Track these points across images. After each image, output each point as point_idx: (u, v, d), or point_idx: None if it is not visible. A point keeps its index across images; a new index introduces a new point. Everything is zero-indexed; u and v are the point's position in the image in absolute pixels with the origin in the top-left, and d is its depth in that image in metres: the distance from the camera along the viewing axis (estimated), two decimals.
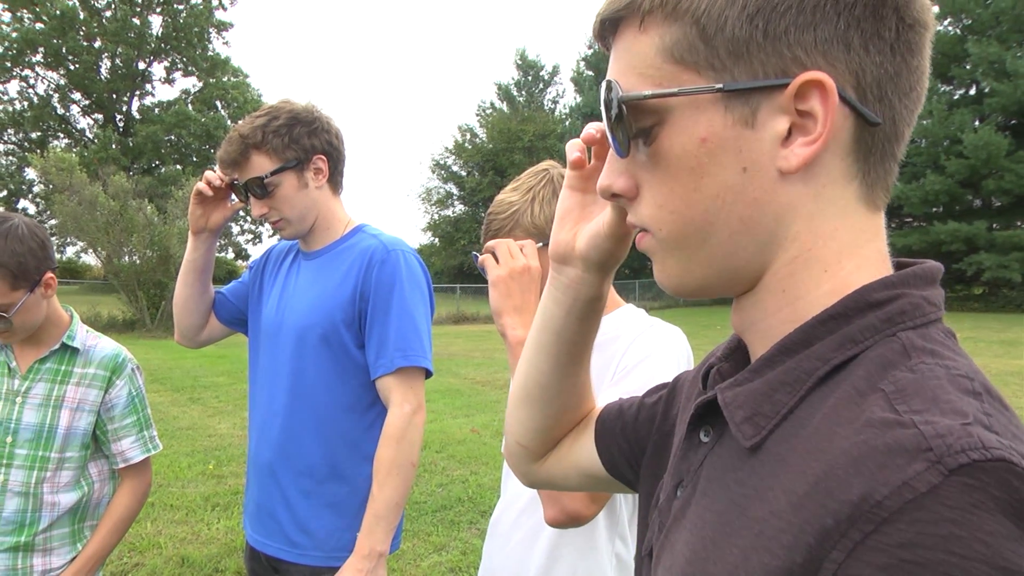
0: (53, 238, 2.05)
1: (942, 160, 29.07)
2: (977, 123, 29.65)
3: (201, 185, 1.99)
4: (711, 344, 0.94)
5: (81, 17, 39.66)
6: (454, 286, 32.44)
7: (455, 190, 50.45)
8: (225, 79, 44.04)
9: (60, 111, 43.11)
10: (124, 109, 44.45)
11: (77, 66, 40.71)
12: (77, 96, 43.06)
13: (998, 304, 28.89)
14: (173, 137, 42.18)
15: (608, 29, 0.66)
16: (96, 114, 44.38)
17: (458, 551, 4.65)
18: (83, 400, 1.99)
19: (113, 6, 40.43)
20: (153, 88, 57.95)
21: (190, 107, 42.90)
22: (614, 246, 0.78)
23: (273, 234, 2.09)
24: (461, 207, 50.26)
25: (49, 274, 1.92)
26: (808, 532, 0.48)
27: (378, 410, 1.96)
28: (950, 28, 31.12)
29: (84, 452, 2.01)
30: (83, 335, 2.05)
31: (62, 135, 43.97)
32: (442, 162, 50.57)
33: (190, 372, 11.89)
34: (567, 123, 45.81)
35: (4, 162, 42.69)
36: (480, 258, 1.41)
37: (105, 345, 2.08)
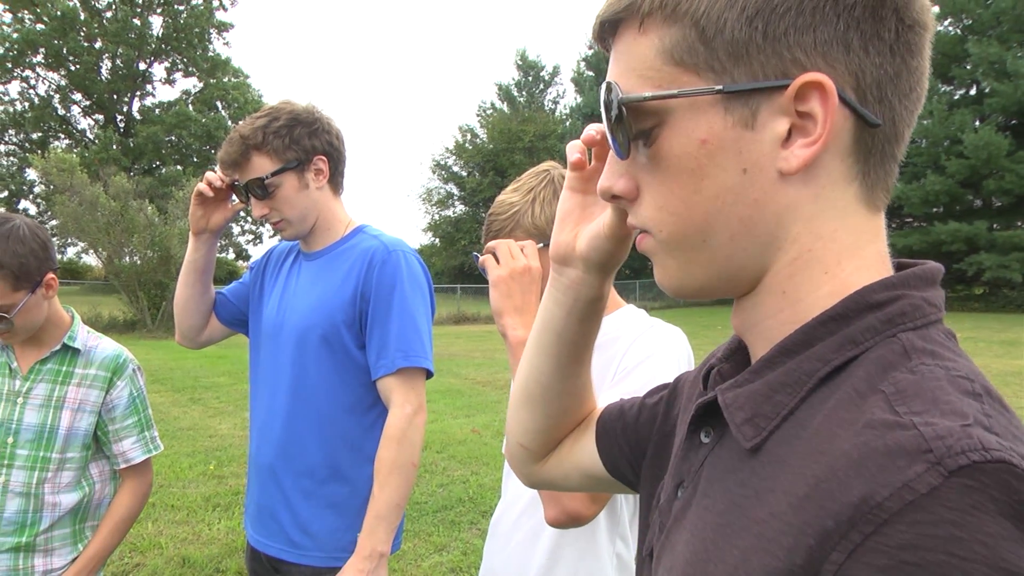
0: (54, 239, 2.05)
1: (942, 160, 29.06)
2: (977, 123, 29.64)
3: (202, 186, 1.99)
4: (712, 344, 0.94)
5: (82, 18, 39.71)
6: (455, 286, 32.46)
7: (455, 190, 50.47)
8: (226, 80, 44.09)
9: (61, 112, 43.16)
10: (125, 110, 44.49)
11: (78, 67, 40.73)
12: (78, 97, 43.10)
13: (999, 304, 28.87)
14: (174, 138, 42.21)
15: (608, 31, 0.66)
16: (97, 115, 44.42)
17: (459, 551, 4.65)
18: (84, 401, 1.99)
19: (114, 7, 40.48)
20: (154, 89, 57.87)
21: (191, 108, 42.93)
22: (614, 247, 0.78)
23: (274, 235, 2.09)
24: (462, 207, 50.27)
25: (50, 275, 1.92)
26: (808, 533, 0.48)
27: (379, 411, 1.96)
28: (950, 28, 31.11)
29: (85, 453, 2.01)
30: (84, 336, 2.06)
31: (63, 136, 44.00)
32: (443, 162, 50.62)
33: (191, 372, 11.89)
34: (567, 123, 45.80)
35: (5, 163, 42.76)
36: (481, 258, 1.41)
37: (106, 346, 2.08)
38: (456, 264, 44.68)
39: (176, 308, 2.19)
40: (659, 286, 0.69)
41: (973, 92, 31.68)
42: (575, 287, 0.83)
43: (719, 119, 0.59)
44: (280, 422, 1.97)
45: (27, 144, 42.11)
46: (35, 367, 1.98)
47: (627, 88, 0.62)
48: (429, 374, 1.97)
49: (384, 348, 1.90)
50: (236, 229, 43.26)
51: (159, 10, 42.09)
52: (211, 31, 43.43)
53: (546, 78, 52.29)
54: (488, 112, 51.45)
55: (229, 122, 41.78)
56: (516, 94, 51.74)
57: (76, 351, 2.01)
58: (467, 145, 49.46)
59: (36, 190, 40.04)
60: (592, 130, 0.72)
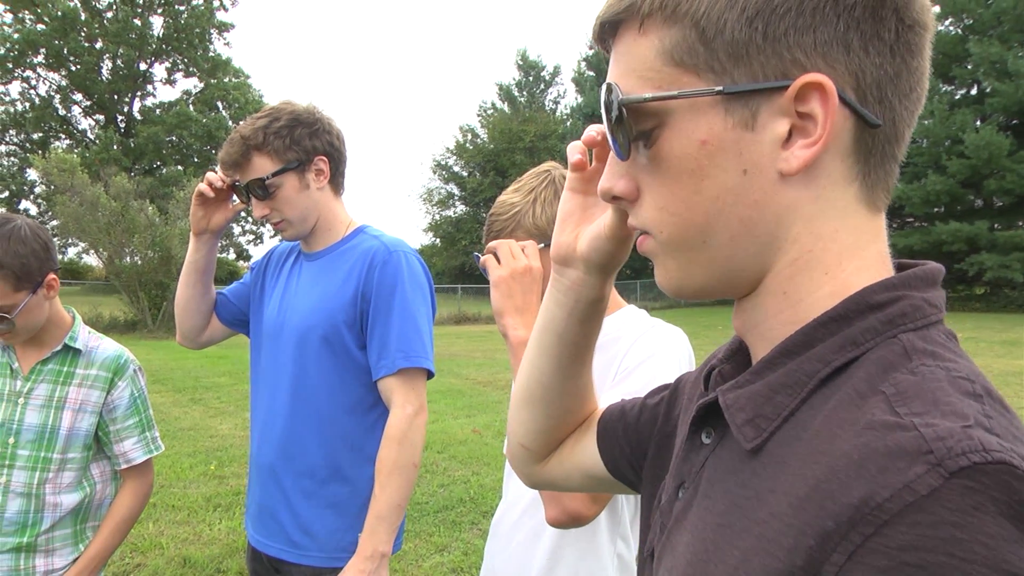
0: (54, 239, 2.05)
1: (943, 160, 29.03)
2: (978, 123, 29.61)
3: (203, 186, 1.99)
4: (712, 345, 0.94)
5: (82, 18, 39.73)
6: (455, 286, 32.45)
7: (456, 191, 50.48)
8: (226, 80, 44.11)
9: (62, 112, 43.18)
10: (125, 110, 44.51)
11: (78, 67, 40.75)
12: (79, 97, 43.12)
13: (1000, 304, 28.85)
14: (174, 138, 42.23)
15: (608, 32, 0.66)
16: (97, 115, 44.43)
17: (460, 552, 4.65)
18: (85, 401, 2.00)
19: (114, 7, 40.50)
20: (154, 89, 57.89)
21: (191, 108, 42.95)
22: (615, 248, 0.78)
23: (274, 235, 2.09)
24: (462, 208, 50.29)
25: (51, 275, 1.92)
26: (809, 534, 0.48)
27: (380, 411, 1.96)
28: (951, 28, 31.08)
29: (86, 453, 2.01)
30: (85, 336, 2.06)
31: (64, 136, 44.03)
32: (443, 163, 50.63)
33: (191, 373, 11.90)
34: (568, 123, 45.83)
35: (6, 163, 42.80)
36: (482, 259, 1.41)
37: (107, 346, 2.08)
38: (457, 264, 44.69)
39: (177, 308, 2.19)
40: (660, 287, 0.69)
41: (974, 92, 31.65)
42: (576, 288, 0.83)
43: (719, 120, 0.59)
44: (281, 422, 1.97)
45: (28, 144, 42.14)
46: (36, 367, 1.98)
47: (627, 89, 0.62)
48: (430, 374, 1.97)
49: (385, 348, 1.91)
50: (237, 229, 43.31)
51: (160, 10, 42.12)
52: (212, 31, 43.46)
53: (547, 78, 52.34)
54: (489, 112, 51.47)
55: (230, 122, 41.80)
56: (517, 94, 51.75)
57: (77, 351, 2.01)
58: (468, 145, 49.47)
59: (37, 190, 40.09)
60: (593, 131, 0.72)
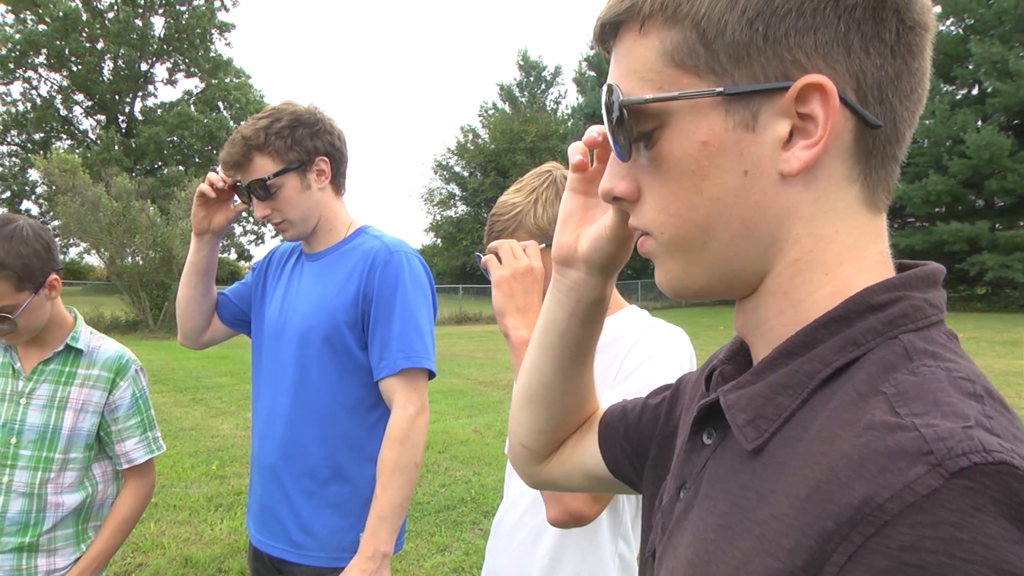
0: (56, 239, 2.05)
1: (944, 160, 29.01)
2: (980, 123, 29.59)
3: (204, 187, 1.99)
4: (714, 345, 0.94)
5: (84, 18, 39.75)
6: (456, 287, 32.45)
7: (457, 191, 50.50)
8: (227, 80, 44.12)
9: (63, 112, 43.20)
10: (127, 110, 44.53)
11: (80, 67, 40.78)
12: (80, 97, 43.14)
13: (1001, 304, 28.83)
14: (175, 138, 42.25)
15: (609, 33, 0.66)
16: (99, 115, 44.46)
17: (461, 552, 4.65)
18: (87, 401, 2.00)
19: (116, 7, 40.53)
20: (155, 89, 58.01)
21: (192, 108, 42.97)
22: (616, 249, 0.78)
23: (276, 235, 2.09)
24: (463, 208, 50.30)
25: (53, 276, 1.93)
26: (809, 535, 0.48)
27: (381, 411, 1.96)
28: (952, 28, 31.05)
29: (88, 453, 2.02)
30: (87, 336, 2.06)
31: (65, 136, 44.06)
32: (444, 163, 50.65)
33: (193, 373, 11.90)
34: (569, 124, 45.81)
35: (7, 163, 42.87)
36: (483, 258, 1.41)
37: (109, 346, 2.08)
38: (458, 264, 44.70)
39: (178, 309, 2.19)
40: (660, 288, 0.69)
41: (975, 92, 31.63)
42: (577, 288, 0.83)
43: (720, 121, 0.59)
44: (282, 422, 1.97)
45: (29, 145, 42.18)
46: (38, 368, 1.98)
47: (628, 90, 0.62)
48: (431, 374, 1.97)
49: (386, 349, 1.91)
50: (238, 229, 43.34)
51: (161, 11, 42.13)
52: (213, 32, 43.47)
53: (548, 78, 52.32)
54: (490, 112, 51.46)
55: (231, 123, 41.83)
56: (518, 94, 51.74)
57: (79, 352, 2.02)
58: (469, 145, 49.47)
59: (38, 191, 40.15)
60: (594, 132, 0.72)
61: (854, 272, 0.60)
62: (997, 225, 30.03)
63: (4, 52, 38.38)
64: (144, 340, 17.53)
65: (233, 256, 44.25)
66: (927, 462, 0.44)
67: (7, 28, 38.59)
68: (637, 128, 0.62)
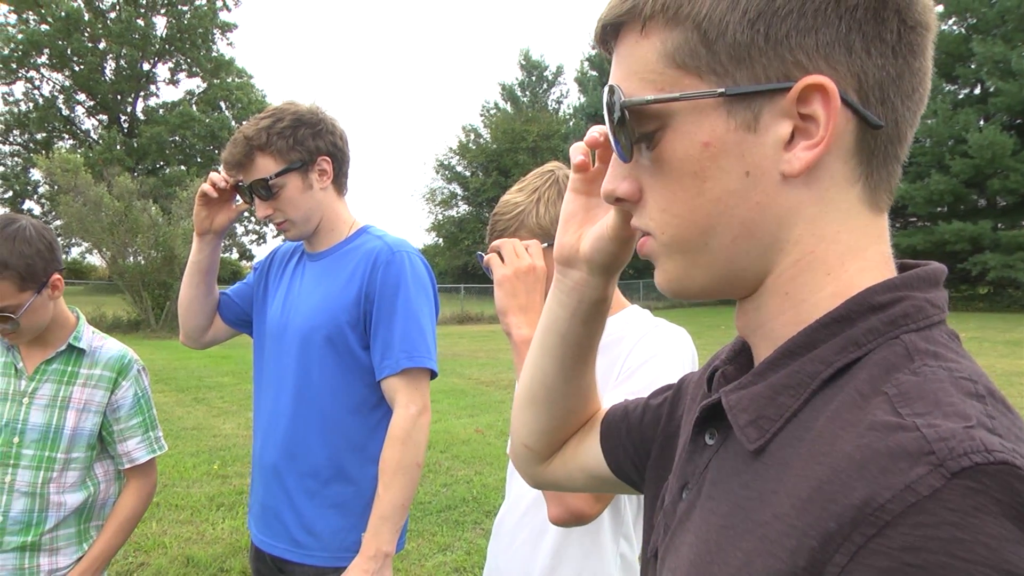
0: (58, 239, 2.05)
1: (947, 160, 28.94)
2: (982, 123, 29.51)
3: (206, 187, 1.99)
4: (716, 344, 0.94)
5: (86, 19, 39.79)
6: (458, 286, 32.48)
7: (459, 190, 50.51)
8: (229, 80, 44.15)
9: (65, 112, 43.28)
10: (129, 110, 44.58)
11: (82, 67, 40.84)
12: (82, 97, 43.20)
13: (1003, 304, 28.77)
14: (177, 138, 42.32)
15: (610, 34, 0.66)
16: (101, 115, 44.51)
17: (462, 551, 4.65)
18: (89, 401, 2.00)
19: (118, 7, 40.58)
20: (157, 89, 57.82)
21: (194, 108, 43.02)
22: (618, 249, 0.78)
23: (277, 235, 2.09)
24: (465, 207, 50.32)
25: (56, 275, 1.93)
26: (811, 536, 0.48)
27: (383, 411, 1.96)
28: (955, 27, 30.97)
29: (90, 453, 2.02)
30: (89, 336, 2.06)
31: (67, 136, 44.13)
32: (446, 162, 50.67)
33: (195, 372, 11.92)
34: (571, 123, 45.77)
35: (9, 163, 42.94)
36: (485, 257, 1.41)
37: (111, 346, 2.09)
38: (460, 264, 44.71)
39: (180, 309, 2.19)
40: (659, 289, 0.69)
41: (977, 91, 31.56)
42: (579, 289, 0.83)
43: (721, 122, 0.59)
44: (284, 422, 1.97)
45: (31, 144, 42.25)
46: (40, 367, 1.98)
47: (629, 91, 0.62)
48: (433, 374, 1.97)
49: (388, 349, 1.91)
50: (240, 229, 43.40)
51: (163, 11, 42.19)
52: (215, 31, 43.52)
53: (549, 78, 52.34)
54: (492, 112, 51.48)
55: (233, 122, 41.86)
56: (520, 94, 51.75)
57: (81, 351, 2.02)
58: (471, 145, 49.48)
59: (40, 190, 40.22)
60: (595, 132, 0.72)
61: (856, 272, 0.60)
62: (999, 225, 29.96)
63: (7, 52, 38.45)
64: (146, 340, 17.55)
65: (235, 256, 44.34)
66: (928, 462, 0.44)
67: (9, 28, 38.66)
68: (639, 129, 0.62)
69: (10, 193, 42.66)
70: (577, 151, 0.80)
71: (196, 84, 45.46)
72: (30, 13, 38.37)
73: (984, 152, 27.47)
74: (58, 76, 41.87)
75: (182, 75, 44.62)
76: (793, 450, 0.55)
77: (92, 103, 43.60)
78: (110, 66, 42.74)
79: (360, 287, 1.93)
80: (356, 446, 1.95)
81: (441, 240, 49.82)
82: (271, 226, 2.11)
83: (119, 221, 19.33)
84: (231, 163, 1.95)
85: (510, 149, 45.41)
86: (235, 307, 2.24)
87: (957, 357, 0.55)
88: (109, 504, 2.09)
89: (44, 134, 42.44)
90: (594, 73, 43.96)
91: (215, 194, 2.00)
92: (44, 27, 38.81)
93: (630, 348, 1.39)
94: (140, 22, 41.25)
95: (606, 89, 0.63)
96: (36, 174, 35.54)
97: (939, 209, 31.28)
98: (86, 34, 40.16)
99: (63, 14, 37.85)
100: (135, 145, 41.45)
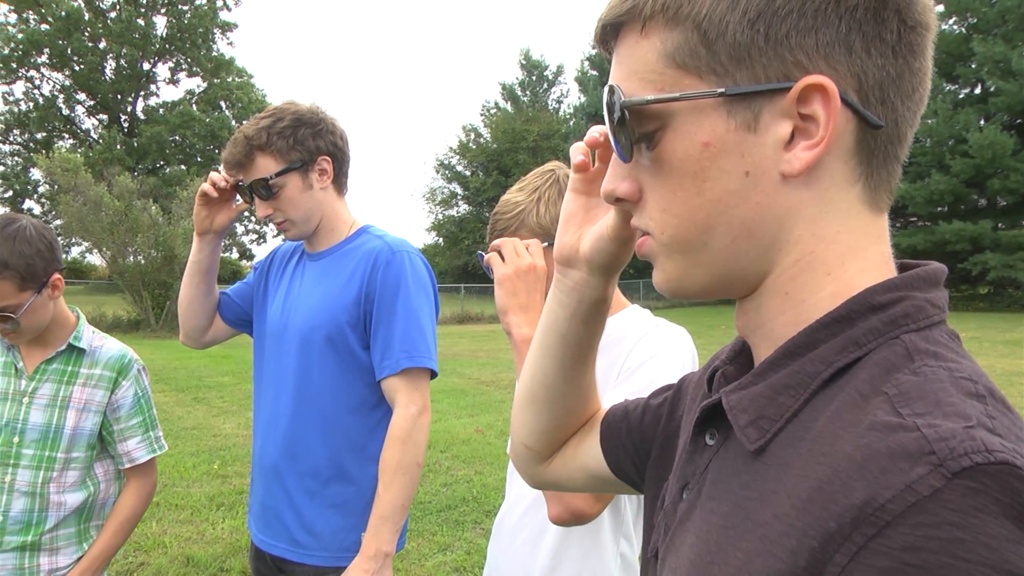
0: (58, 238, 2.05)
1: (947, 160, 28.92)
2: (982, 122, 29.47)
3: (206, 186, 1.99)
4: (716, 344, 0.94)
5: (86, 18, 39.80)
6: (458, 286, 32.49)
7: (459, 190, 50.51)
8: (230, 79, 44.15)
9: (65, 112, 43.27)
10: (129, 110, 44.58)
11: (82, 67, 40.84)
12: (82, 97, 43.20)
13: (1003, 304, 28.76)
14: (177, 138, 42.32)
15: (610, 34, 0.66)
16: (101, 115, 44.51)
17: (462, 551, 4.66)
18: (89, 401, 2.00)
19: (118, 7, 40.58)
20: (158, 89, 57.82)
21: (194, 108, 43.03)
22: (618, 249, 0.78)
23: (278, 235, 2.09)
24: (465, 207, 50.32)
25: (56, 275, 1.93)
26: (811, 536, 0.48)
27: (383, 411, 1.96)
28: (955, 27, 30.94)
29: (90, 452, 2.02)
30: (89, 336, 2.06)
31: (67, 135, 44.14)
32: (446, 162, 50.67)
33: (195, 372, 11.92)
34: (571, 123, 45.74)
35: (9, 163, 42.96)
36: (486, 256, 1.41)
37: (111, 346, 2.09)
38: (460, 264, 44.71)
39: (180, 308, 2.19)
40: (657, 288, 0.69)
41: (978, 91, 31.52)
42: (579, 289, 0.83)
43: (721, 122, 0.59)
44: (284, 422, 1.97)
45: (31, 144, 42.26)
46: (41, 367, 1.98)
47: (629, 91, 0.62)
48: (433, 374, 1.97)
49: (388, 348, 1.91)
50: (240, 229, 43.40)
51: (163, 10, 42.19)
52: (215, 31, 43.51)
53: (550, 77, 52.32)
54: (492, 111, 51.46)
55: (233, 122, 41.89)
56: (520, 93, 51.73)
57: (81, 351, 2.02)
58: (471, 144, 49.48)
59: (40, 190, 40.22)
60: (595, 132, 0.72)
61: (856, 272, 0.60)
62: (1000, 225, 29.93)
63: (7, 51, 38.46)
64: (146, 339, 17.55)
65: (235, 255, 44.34)
66: (929, 462, 0.44)
67: (9, 27, 38.67)
68: (639, 129, 0.62)
69: (10, 193, 42.70)
70: (577, 151, 0.80)
71: (196, 84, 45.53)
72: (30, 13, 38.37)
73: (984, 152, 27.46)
74: (58, 76, 41.93)
75: (182, 75, 44.66)
76: (793, 450, 0.55)
77: (92, 103, 43.61)
78: (110, 66, 42.77)
79: (360, 287, 1.93)
80: (356, 446, 1.95)
81: (441, 240, 49.84)
82: (271, 226, 2.11)
83: (119, 221, 19.34)
84: (231, 163, 1.95)
85: (510, 149, 45.40)
86: (235, 307, 2.24)
87: (957, 357, 0.55)
88: (109, 504, 2.09)
89: (44, 134, 42.45)
90: (594, 73, 43.95)
91: (215, 194, 2.00)
92: (44, 27, 38.82)
93: (630, 348, 1.39)
94: (140, 22, 41.26)
95: (606, 89, 0.63)
96: (36, 174, 35.60)
97: (939, 209, 31.25)
98: (86, 34, 40.16)
99: (63, 14, 37.86)
100: (135, 145, 41.46)
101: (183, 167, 40.54)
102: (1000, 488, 0.43)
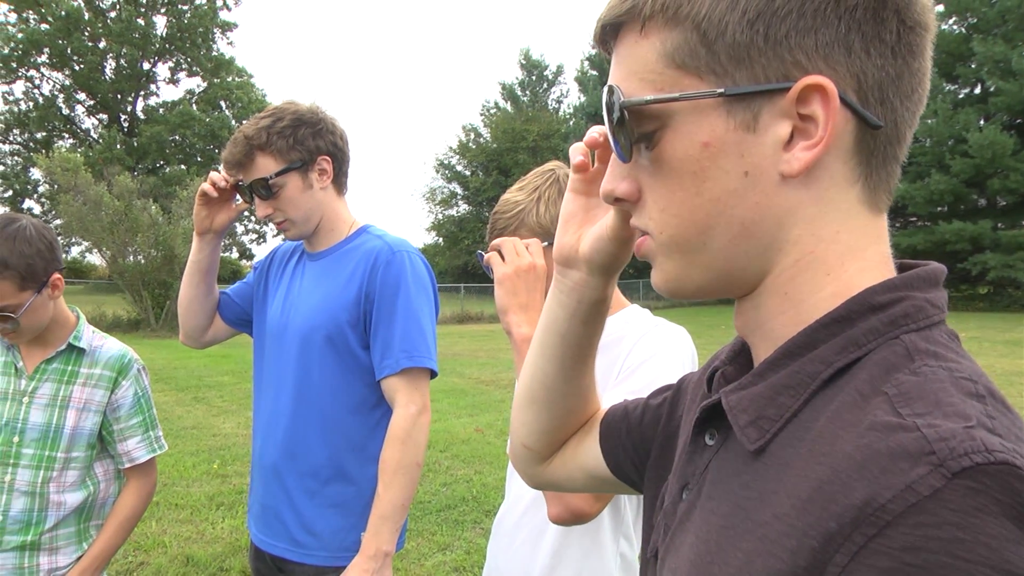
0: (58, 238, 2.05)
1: (947, 159, 28.91)
2: (982, 122, 29.47)
3: (206, 186, 1.99)
4: (716, 344, 0.94)
5: (86, 18, 39.79)
6: (458, 286, 32.49)
7: (459, 190, 50.51)
8: (229, 79, 44.14)
9: (65, 111, 43.27)
10: (129, 109, 44.57)
11: (82, 66, 40.82)
12: (82, 96, 43.19)
13: (1003, 304, 28.75)
14: (177, 137, 42.32)
15: (609, 34, 0.66)
16: (101, 114, 44.51)
17: (462, 551, 4.66)
18: (89, 400, 2.00)
19: (118, 7, 40.56)
20: (158, 88, 57.91)
21: (194, 107, 43.03)
22: (617, 249, 0.78)
23: (277, 234, 2.09)
24: (465, 207, 50.33)
25: (56, 275, 1.93)
26: (812, 536, 0.48)
27: (383, 411, 1.96)
28: (955, 27, 30.94)
29: (90, 452, 2.02)
30: (89, 336, 2.06)
31: (67, 135, 44.14)
32: (446, 162, 50.68)
33: (195, 372, 11.92)
34: (571, 123, 45.74)
35: (9, 162, 42.95)
36: (486, 256, 1.41)
37: (111, 346, 2.09)
38: (460, 263, 44.72)
39: (180, 308, 2.19)
40: (656, 288, 0.69)
41: (978, 91, 31.51)
42: (578, 289, 0.83)
43: (721, 122, 0.59)
44: (284, 422, 1.97)
45: (31, 144, 42.25)
46: (41, 367, 1.98)
47: (629, 91, 0.62)
48: (433, 374, 1.97)
49: (388, 348, 1.91)
50: (240, 229, 43.40)
51: (163, 10, 42.18)
52: (215, 31, 43.51)
53: (550, 77, 52.32)
54: (492, 111, 51.47)
55: (233, 122, 41.89)
56: (520, 93, 51.72)
57: (81, 351, 2.02)
58: (471, 144, 49.49)
59: (40, 189, 40.20)
60: (595, 132, 0.72)
61: (855, 272, 0.60)
62: (999, 225, 29.92)
63: (7, 51, 38.46)
64: (146, 339, 17.55)
65: (235, 255, 44.34)
66: (929, 462, 0.44)
67: (9, 27, 38.67)
68: (638, 129, 0.62)
69: (10, 192, 42.69)
70: (577, 151, 0.80)
71: (196, 83, 45.50)
72: (30, 12, 38.37)
73: (984, 152, 27.45)
74: (58, 75, 41.92)
75: (182, 74, 44.65)
76: (793, 450, 0.55)
77: (92, 102, 43.60)
78: (110, 65, 42.77)
79: (360, 287, 1.93)
80: (356, 446, 1.95)
81: (441, 239, 49.84)
82: (271, 226, 2.11)
83: (119, 220, 19.33)
84: (231, 162, 1.95)
85: (510, 148, 45.41)
86: (235, 306, 2.24)
87: (957, 357, 0.55)
88: (109, 503, 2.09)
89: (44, 133, 42.45)
90: (594, 73, 43.95)
91: (215, 193, 2.00)
92: (44, 26, 38.81)
93: (630, 348, 1.39)
94: (140, 21, 41.25)
95: (605, 89, 0.63)
96: (36, 173, 35.60)
97: (939, 209, 31.24)
98: (86, 33, 40.16)
99: (63, 13, 37.85)
100: (135, 144, 41.46)
101: (183, 167, 40.54)
102: (1000, 488, 0.43)
